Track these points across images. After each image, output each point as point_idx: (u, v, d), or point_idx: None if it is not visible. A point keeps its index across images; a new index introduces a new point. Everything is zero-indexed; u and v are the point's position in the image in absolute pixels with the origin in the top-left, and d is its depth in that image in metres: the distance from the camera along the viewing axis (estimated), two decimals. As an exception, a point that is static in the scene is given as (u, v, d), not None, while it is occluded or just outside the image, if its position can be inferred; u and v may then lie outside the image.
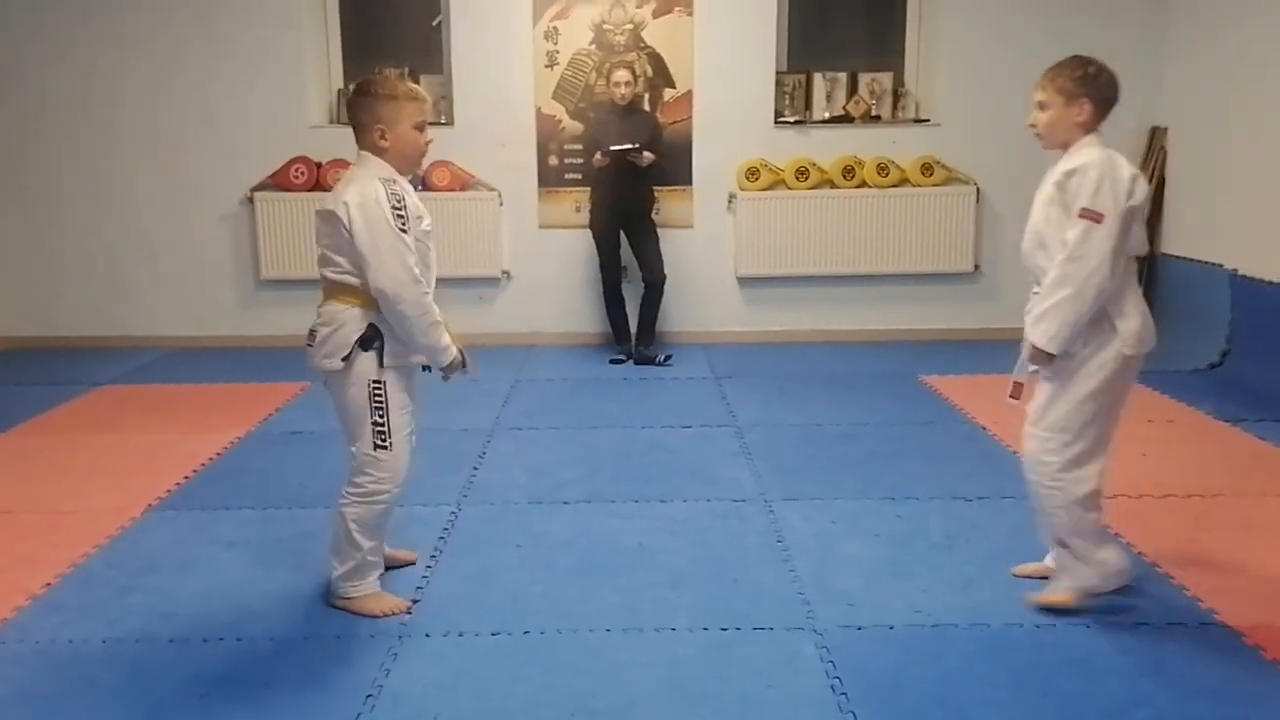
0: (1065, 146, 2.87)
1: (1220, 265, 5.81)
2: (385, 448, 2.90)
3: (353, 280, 2.81)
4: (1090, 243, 2.72)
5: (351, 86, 2.95)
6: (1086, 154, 2.80)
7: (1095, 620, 2.92)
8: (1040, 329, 2.80)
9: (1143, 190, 2.78)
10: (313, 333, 2.92)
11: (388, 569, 3.20)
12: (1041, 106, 2.88)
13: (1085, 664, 2.71)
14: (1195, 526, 3.62)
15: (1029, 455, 2.96)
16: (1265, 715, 2.47)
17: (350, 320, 2.84)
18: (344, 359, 2.84)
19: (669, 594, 3.14)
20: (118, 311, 6.74)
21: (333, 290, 2.87)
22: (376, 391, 2.87)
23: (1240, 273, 5.63)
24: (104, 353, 6.49)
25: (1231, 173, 5.81)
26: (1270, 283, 5.38)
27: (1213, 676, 2.64)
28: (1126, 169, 2.77)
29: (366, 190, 2.76)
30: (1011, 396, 3.01)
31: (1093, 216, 2.72)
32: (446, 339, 2.92)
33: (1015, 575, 3.19)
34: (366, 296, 2.81)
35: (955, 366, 5.87)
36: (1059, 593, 2.98)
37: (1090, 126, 2.84)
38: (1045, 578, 3.09)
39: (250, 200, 6.54)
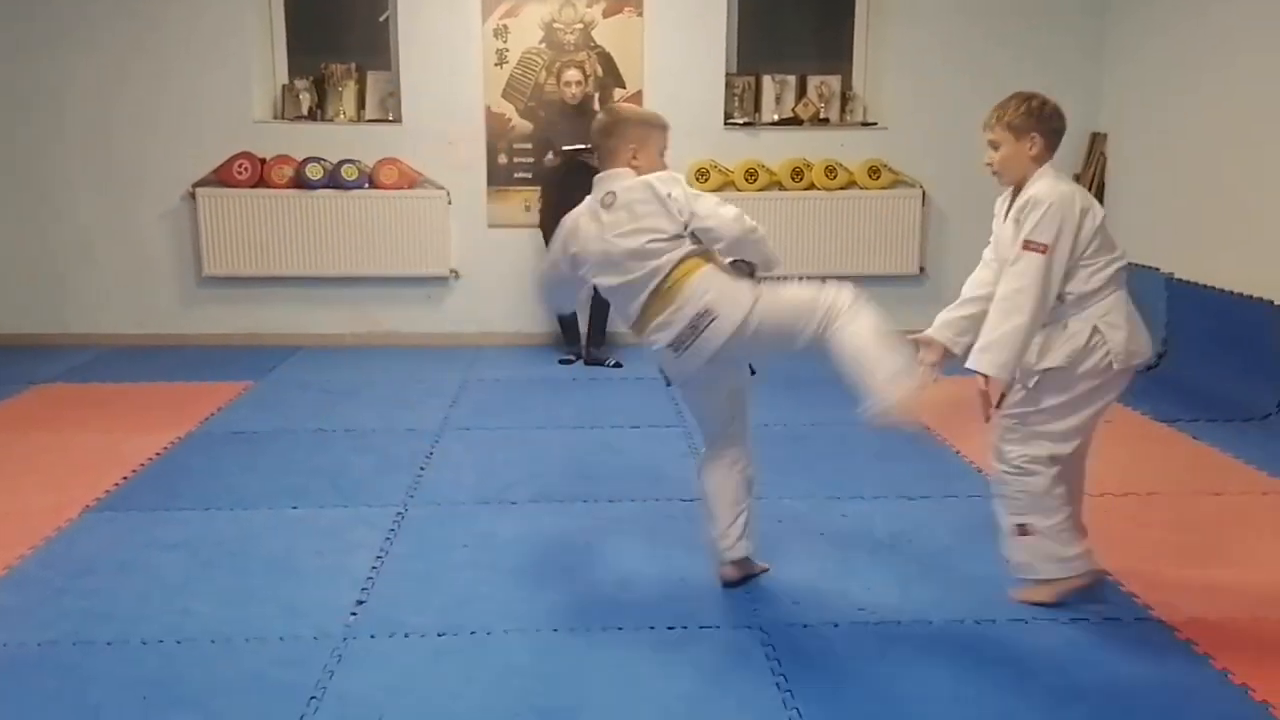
0: (1022, 182, 2.91)
1: (1157, 269, 5.94)
2: None
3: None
4: (1031, 273, 2.76)
5: (601, 113, 3.16)
6: (1041, 185, 2.84)
7: (1034, 616, 2.98)
8: (988, 358, 2.80)
9: (1093, 224, 2.82)
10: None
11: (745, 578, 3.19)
12: (994, 145, 2.92)
13: (1024, 659, 2.76)
14: (1132, 525, 3.70)
15: (996, 444, 2.97)
16: (1197, 708, 2.53)
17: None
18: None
19: (617, 594, 3.15)
20: (56, 309, 6.60)
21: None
22: None
23: (1176, 276, 5.76)
24: (41, 350, 6.34)
25: (1168, 179, 5.94)
26: (1205, 286, 5.51)
27: (1148, 671, 2.70)
28: (1079, 203, 2.81)
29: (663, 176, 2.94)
30: (996, 408, 3.00)
31: (1037, 249, 2.76)
32: (768, 243, 2.97)
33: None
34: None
35: (900, 367, 5.94)
36: (1038, 591, 3.03)
37: (1042, 159, 2.89)
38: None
39: (192, 196, 6.44)
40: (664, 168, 3.01)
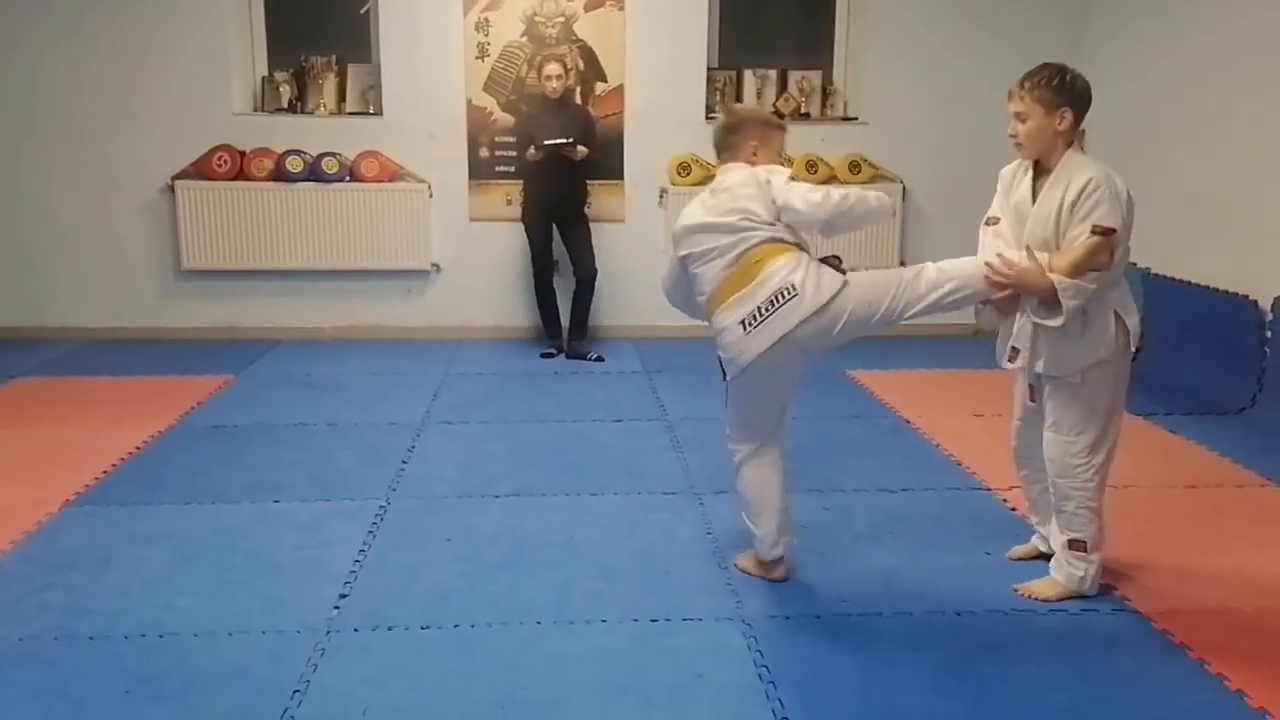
0: (1044, 156, 2.90)
1: (1134, 264, 5.98)
2: None
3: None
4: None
5: (723, 112, 3.20)
6: (1092, 168, 2.84)
7: (1013, 608, 3.01)
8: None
9: (1132, 206, 2.87)
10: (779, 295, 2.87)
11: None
12: (1020, 117, 2.88)
13: (1003, 650, 2.79)
14: (1109, 517, 3.69)
15: (1056, 460, 2.97)
16: (1173, 697, 2.57)
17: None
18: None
19: (600, 586, 3.16)
20: (33, 302, 6.55)
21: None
22: None
23: (1152, 271, 5.81)
24: (18, 344, 6.29)
25: (1146, 174, 5.98)
26: (1182, 281, 5.57)
27: (1125, 661, 2.73)
28: (1124, 186, 2.85)
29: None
30: (1009, 360, 3.07)
31: (1104, 232, 2.77)
32: (869, 200, 2.92)
33: (1010, 559, 3.32)
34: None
35: (882, 362, 5.97)
36: (1046, 586, 3.07)
37: (1069, 136, 2.89)
38: (1039, 556, 3.26)
39: (171, 189, 6.40)
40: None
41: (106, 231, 6.49)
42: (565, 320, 6.33)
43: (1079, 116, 2.90)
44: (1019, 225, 2.95)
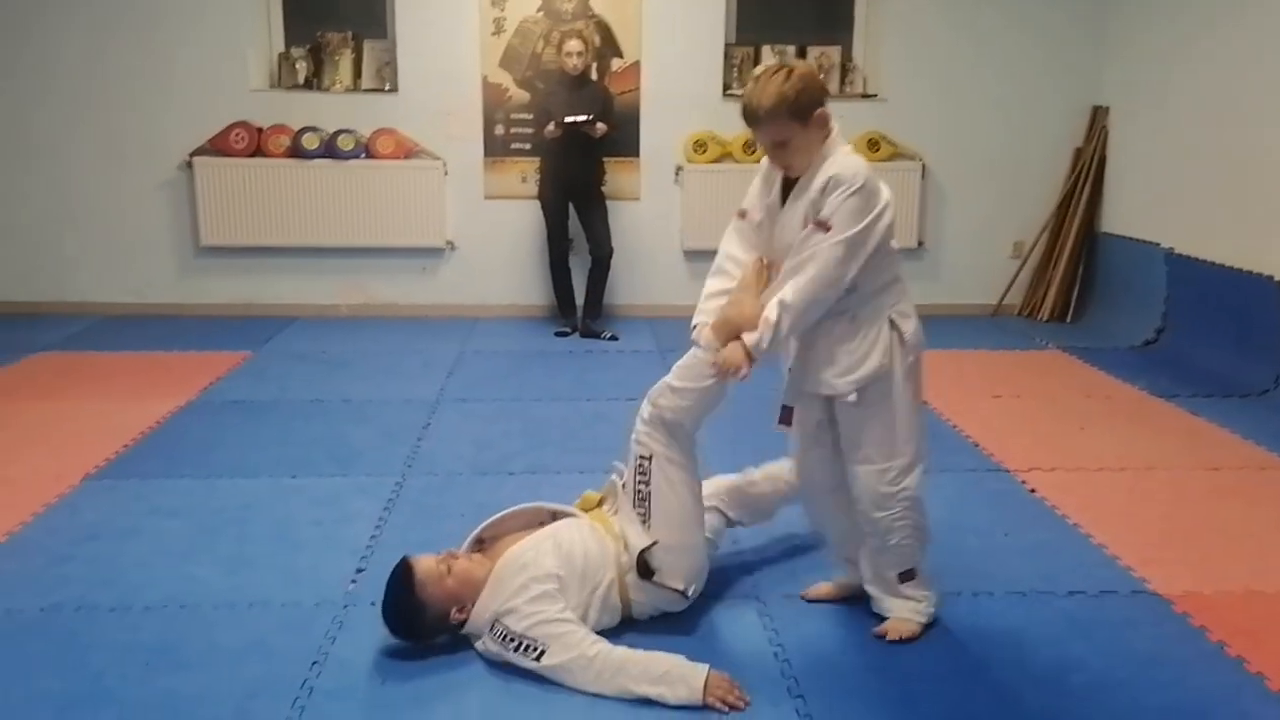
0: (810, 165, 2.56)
1: (1157, 244, 5.94)
2: None
3: None
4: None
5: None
6: (838, 164, 2.51)
7: (1031, 589, 3.00)
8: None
9: (879, 197, 2.56)
10: None
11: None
12: (780, 143, 2.52)
13: (1021, 632, 2.78)
14: (1128, 499, 3.72)
15: (870, 494, 2.66)
16: (1192, 679, 2.56)
17: None
18: None
19: (616, 563, 3.15)
20: (52, 278, 6.57)
21: None
22: None
23: (1176, 251, 5.76)
24: (39, 319, 6.33)
25: (1169, 153, 5.93)
26: (1204, 261, 5.52)
27: (1143, 643, 2.72)
28: (870, 177, 2.51)
29: None
30: (781, 422, 2.87)
31: (823, 226, 2.49)
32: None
33: (806, 599, 2.96)
34: None
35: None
36: (903, 625, 2.76)
37: (826, 131, 2.54)
38: (836, 600, 2.95)
39: (189, 165, 6.40)
40: None
41: (126, 208, 6.50)
42: (580, 299, 6.32)
43: (824, 106, 2.53)
44: (770, 226, 2.66)
